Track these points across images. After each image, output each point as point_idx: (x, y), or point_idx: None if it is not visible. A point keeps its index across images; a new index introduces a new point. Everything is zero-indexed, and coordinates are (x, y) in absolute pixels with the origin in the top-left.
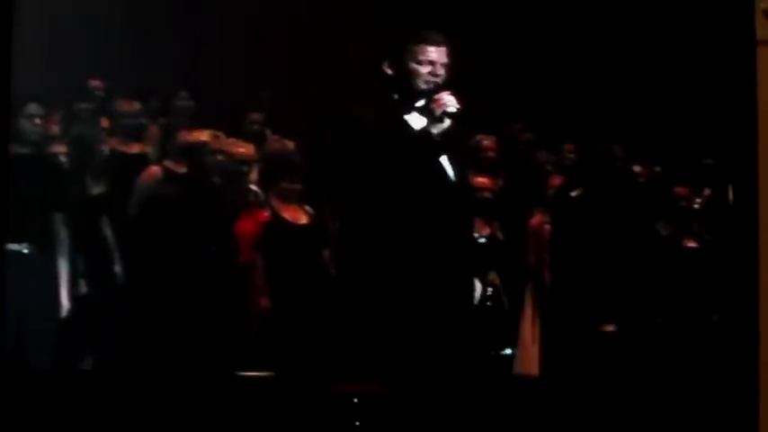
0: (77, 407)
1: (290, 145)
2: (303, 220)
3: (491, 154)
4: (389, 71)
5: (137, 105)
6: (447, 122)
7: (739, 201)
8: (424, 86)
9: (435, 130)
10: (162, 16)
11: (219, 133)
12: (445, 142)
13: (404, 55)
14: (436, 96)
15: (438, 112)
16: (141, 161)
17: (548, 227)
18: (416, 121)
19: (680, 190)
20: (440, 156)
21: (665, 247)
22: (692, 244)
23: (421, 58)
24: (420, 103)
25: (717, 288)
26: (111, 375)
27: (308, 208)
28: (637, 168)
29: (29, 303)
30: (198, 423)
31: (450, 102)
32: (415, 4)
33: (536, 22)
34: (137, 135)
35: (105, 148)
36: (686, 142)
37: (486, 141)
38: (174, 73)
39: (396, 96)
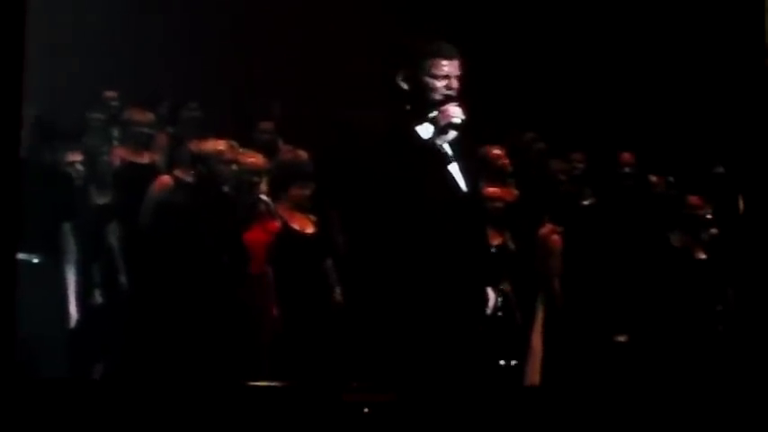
0: (87, 416)
1: (304, 155)
2: (310, 229)
3: (501, 163)
4: (404, 85)
5: (150, 115)
6: (452, 134)
7: (751, 210)
8: (439, 99)
9: (440, 141)
10: (172, 27)
11: (232, 143)
12: (456, 152)
13: (418, 69)
14: (442, 108)
15: (443, 122)
16: (151, 171)
17: (559, 236)
18: (428, 132)
19: (692, 199)
20: (451, 166)
21: (677, 256)
22: (703, 254)
23: (436, 72)
24: (432, 114)
25: (729, 298)
26: (121, 385)
27: (313, 217)
28: (649, 177)
29: (39, 313)
30: None
31: (455, 113)
32: (425, 14)
33: (548, 32)
34: (147, 144)
35: (115, 158)
36: (698, 151)
37: (497, 151)
38: (184, 82)
39: (408, 108)
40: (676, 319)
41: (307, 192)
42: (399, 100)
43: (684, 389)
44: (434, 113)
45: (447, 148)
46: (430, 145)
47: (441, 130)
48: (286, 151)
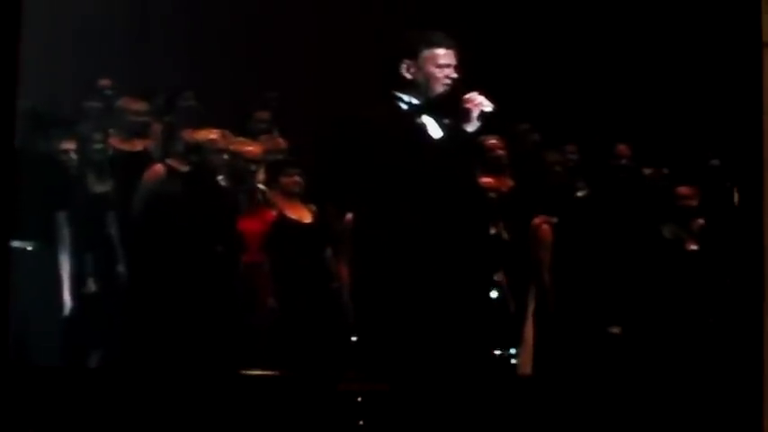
0: (83, 404)
1: (283, 143)
2: (307, 219)
3: (497, 154)
4: (408, 76)
5: (143, 104)
6: (480, 122)
7: (744, 202)
8: (442, 89)
9: (471, 128)
10: (169, 17)
11: (226, 132)
12: (456, 143)
13: (421, 59)
14: (467, 97)
15: (475, 112)
16: (145, 159)
17: (553, 227)
18: (430, 122)
19: (685, 191)
20: (452, 156)
21: (670, 248)
22: (696, 246)
23: (440, 61)
24: (436, 104)
25: (721, 290)
26: (116, 373)
27: (311, 206)
28: (643, 169)
29: (33, 301)
30: (202, 422)
31: (484, 101)
32: (421, 5)
33: (543, 24)
34: (141, 133)
35: (110, 147)
36: (692, 143)
37: (493, 141)
38: (180, 71)
39: (411, 99)
40: (668, 310)
41: (295, 179)
42: (400, 90)
43: (676, 379)
44: (439, 104)
45: (451, 139)
46: (432, 136)
47: (471, 118)
48: (267, 140)
